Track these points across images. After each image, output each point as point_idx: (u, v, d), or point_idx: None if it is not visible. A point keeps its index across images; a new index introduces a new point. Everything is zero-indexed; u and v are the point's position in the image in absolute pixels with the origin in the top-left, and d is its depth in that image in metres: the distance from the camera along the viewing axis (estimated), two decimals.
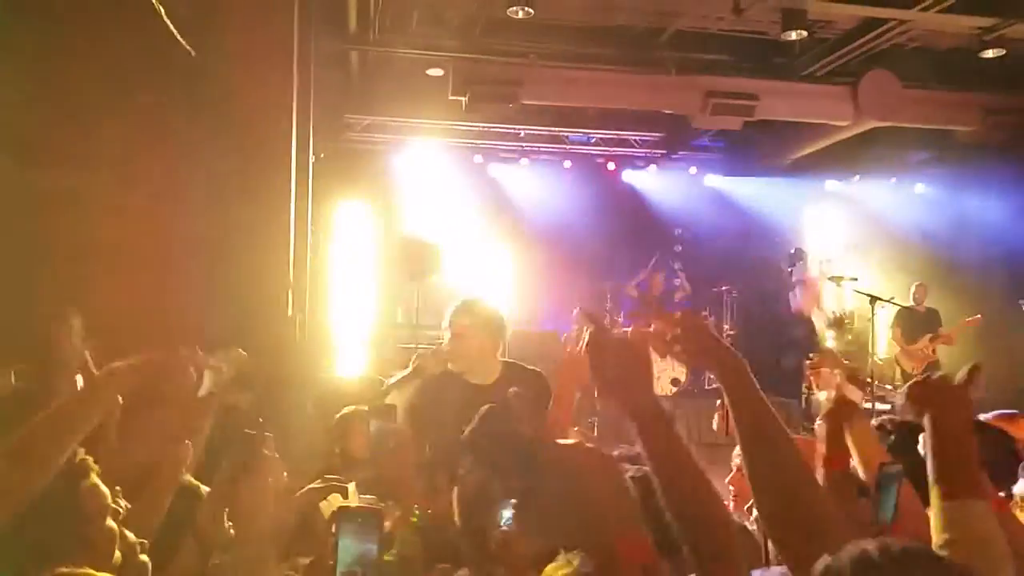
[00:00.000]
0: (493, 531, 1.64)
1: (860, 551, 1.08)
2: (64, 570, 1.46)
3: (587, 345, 1.47)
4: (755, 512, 2.43)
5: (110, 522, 1.55)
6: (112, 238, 4.28)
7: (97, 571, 1.39)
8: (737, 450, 3.61)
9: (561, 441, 1.19)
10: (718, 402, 3.67)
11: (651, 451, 1.41)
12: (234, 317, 4.52)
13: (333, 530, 1.66)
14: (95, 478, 1.55)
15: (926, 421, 1.65)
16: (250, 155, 4.94)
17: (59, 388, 2.48)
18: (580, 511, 1.15)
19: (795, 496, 1.41)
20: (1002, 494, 2.29)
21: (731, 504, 3.39)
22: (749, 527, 2.35)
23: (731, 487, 3.46)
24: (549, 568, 1.36)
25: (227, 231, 4.70)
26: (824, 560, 1.10)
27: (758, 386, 1.51)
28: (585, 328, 1.51)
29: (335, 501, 2.23)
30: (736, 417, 1.47)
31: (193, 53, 4.63)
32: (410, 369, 3.14)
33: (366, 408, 4.20)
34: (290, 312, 5.25)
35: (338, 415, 4.12)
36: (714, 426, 3.76)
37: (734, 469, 3.54)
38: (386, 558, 1.73)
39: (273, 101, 5.28)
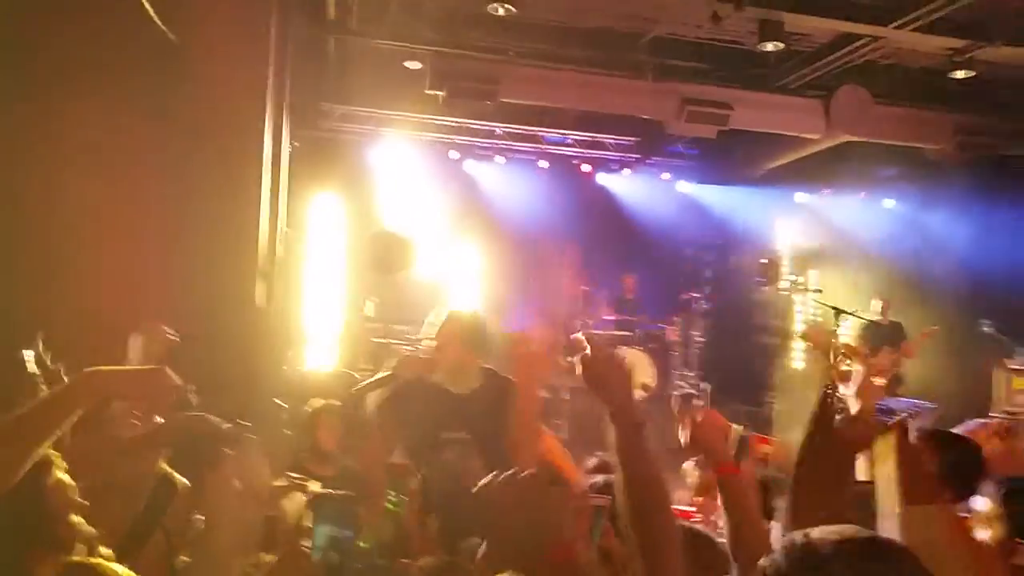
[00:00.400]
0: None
1: (788, 542, 1.14)
2: (76, 559, 1.46)
3: (584, 356, 1.81)
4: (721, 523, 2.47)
5: (74, 517, 1.54)
6: (79, 226, 4.21)
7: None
8: (686, 465, 3.70)
9: (503, 480, 1.34)
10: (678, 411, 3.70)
11: (620, 446, 1.70)
12: (203, 306, 4.47)
13: (309, 518, 1.67)
14: (60, 474, 1.53)
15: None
16: (223, 141, 4.89)
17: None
18: (530, 538, 1.31)
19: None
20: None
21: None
22: (717, 539, 2.38)
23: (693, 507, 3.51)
24: None
25: (197, 219, 4.65)
26: (762, 561, 1.16)
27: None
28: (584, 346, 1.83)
29: (298, 500, 2.21)
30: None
31: (171, 36, 4.56)
32: (386, 373, 3.10)
33: (336, 402, 4.20)
34: (258, 302, 5.20)
35: (306, 408, 4.10)
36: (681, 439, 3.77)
37: (689, 486, 3.59)
38: (362, 545, 1.73)
39: (248, 86, 5.23)
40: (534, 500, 1.38)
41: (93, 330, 3.46)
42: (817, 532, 1.12)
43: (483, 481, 1.39)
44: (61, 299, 3.85)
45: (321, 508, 1.72)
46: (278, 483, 2.07)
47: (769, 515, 2.61)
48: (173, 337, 2.55)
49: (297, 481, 2.14)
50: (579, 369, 1.82)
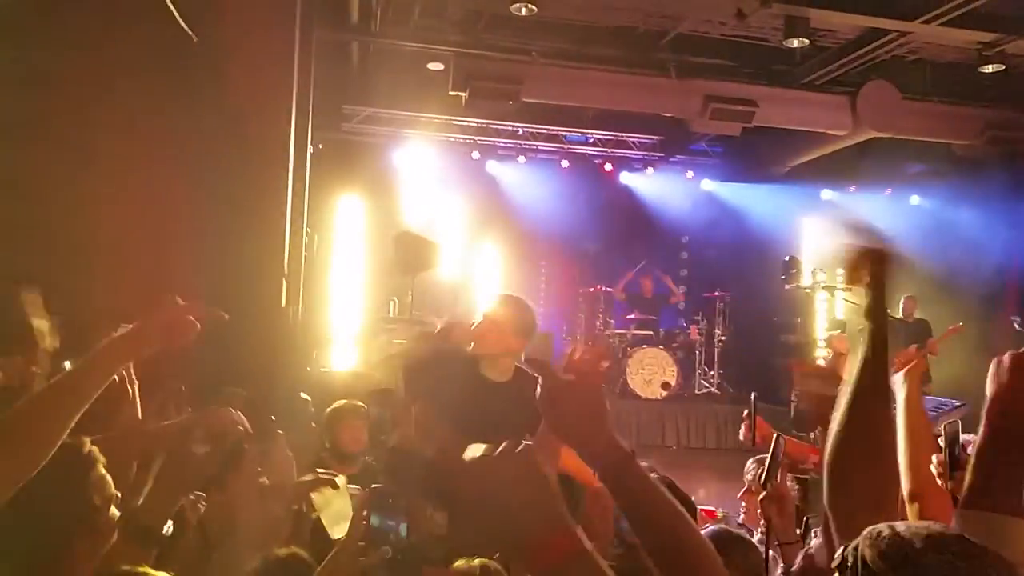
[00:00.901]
0: None
1: (874, 533, 1.09)
2: (125, 568, 1.47)
3: (538, 397, 1.36)
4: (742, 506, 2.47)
5: (114, 510, 1.57)
6: (106, 227, 4.25)
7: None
8: (749, 463, 3.62)
9: (479, 455, 1.11)
10: (744, 412, 3.68)
11: (616, 491, 1.35)
12: (227, 308, 4.50)
13: (364, 512, 1.69)
14: (102, 469, 1.55)
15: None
16: (248, 144, 4.92)
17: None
18: (501, 519, 1.11)
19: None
20: None
21: (742, 516, 3.39)
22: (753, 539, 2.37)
23: (743, 503, 3.45)
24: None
25: (223, 221, 4.68)
26: (841, 551, 1.11)
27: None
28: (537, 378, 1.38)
29: (327, 494, 2.22)
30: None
31: (195, 39, 4.60)
32: (432, 331, 3.06)
33: (357, 403, 4.20)
34: (284, 304, 5.23)
35: (329, 409, 4.10)
36: (740, 436, 3.77)
37: (746, 484, 3.53)
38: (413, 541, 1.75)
39: (273, 90, 5.26)
40: (530, 476, 1.15)
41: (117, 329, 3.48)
42: (903, 526, 1.09)
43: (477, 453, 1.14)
44: (86, 300, 3.88)
45: (374, 501, 1.73)
46: (305, 478, 2.07)
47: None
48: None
49: (325, 476, 2.14)
50: (540, 409, 1.37)
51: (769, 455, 2.35)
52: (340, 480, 2.20)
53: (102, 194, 4.27)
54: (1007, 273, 9.25)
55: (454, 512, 1.16)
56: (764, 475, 2.24)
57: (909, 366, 2.38)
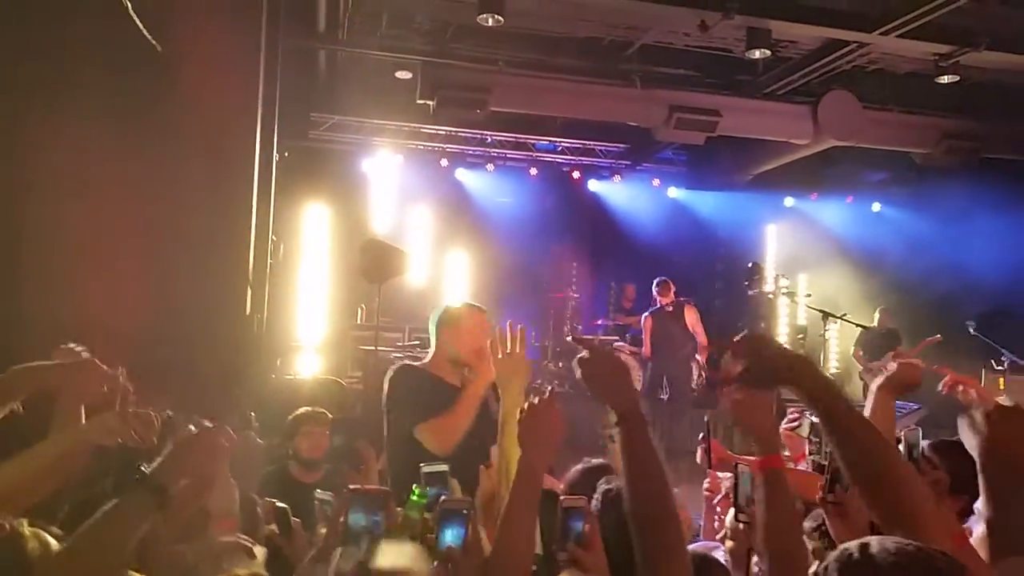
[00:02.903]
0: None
1: (841, 552, 1.13)
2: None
3: (579, 362, 1.78)
4: (727, 544, 2.47)
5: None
6: (69, 235, 4.23)
7: None
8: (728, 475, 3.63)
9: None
10: (700, 435, 3.68)
11: (625, 443, 1.68)
12: (192, 314, 4.49)
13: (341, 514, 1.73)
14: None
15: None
16: (213, 152, 4.91)
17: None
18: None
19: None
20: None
21: (718, 523, 3.41)
22: (720, 558, 2.39)
23: (718, 508, 3.47)
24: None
25: (187, 228, 4.67)
26: (814, 568, 1.16)
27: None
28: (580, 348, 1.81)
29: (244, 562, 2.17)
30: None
31: (159, 47, 4.59)
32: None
33: (319, 410, 4.22)
34: (248, 311, 5.22)
35: (291, 416, 4.12)
36: (697, 459, 3.72)
37: (723, 491, 3.54)
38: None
39: (238, 98, 5.26)
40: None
41: (81, 339, 3.47)
42: (876, 545, 1.11)
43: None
44: (50, 309, 3.87)
45: (354, 498, 1.80)
46: (226, 539, 2.02)
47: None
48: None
49: (244, 541, 2.08)
50: (578, 372, 1.78)
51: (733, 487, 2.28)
52: (259, 552, 2.13)
53: (63, 201, 4.25)
54: (965, 279, 9.45)
55: None
56: (734, 511, 2.23)
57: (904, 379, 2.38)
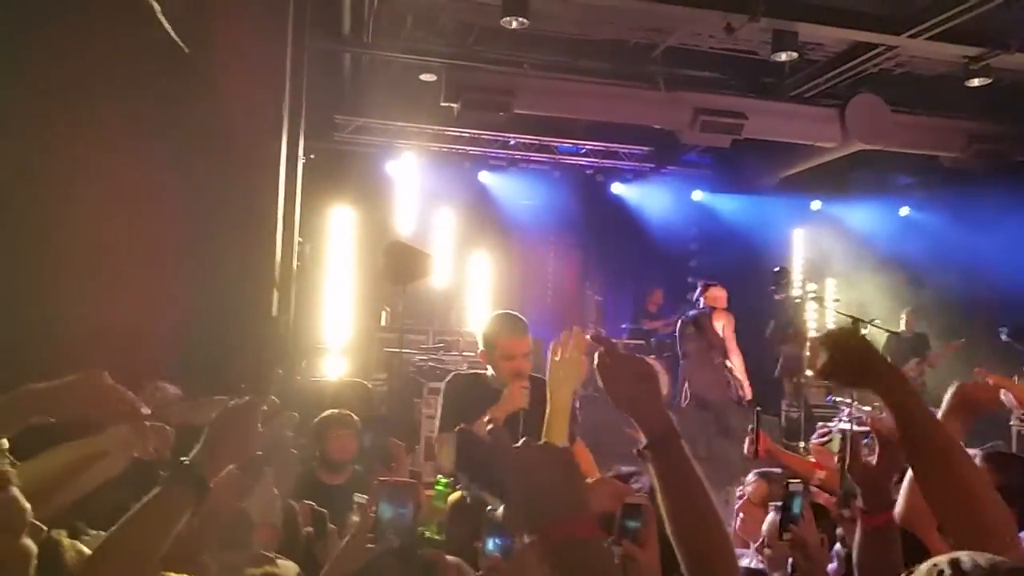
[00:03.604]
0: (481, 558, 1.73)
1: (931, 568, 1.08)
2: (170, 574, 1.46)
3: (598, 365, 1.52)
4: (764, 552, 2.45)
5: (27, 540, 1.47)
6: (96, 237, 4.26)
7: None
8: (751, 475, 3.61)
9: (538, 445, 1.25)
10: (749, 426, 3.69)
11: (658, 460, 1.45)
12: (219, 316, 4.52)
13: (372, 504, 1.74)
14: (15, 491, 1.48)
15: None
16: (239, 154, 4.95)
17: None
18: (534, 500, 1.21)
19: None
20: None
21: (739, 527, 3.40)
22: (758, 565, 2.37)
23: (740, 514, 3.46)
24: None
25: (214, 230, 4.70)
26: None
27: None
28: (595, 350, 1.56)
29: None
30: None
31: (186, 49, 4.63)
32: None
33: (345, 412, 4.23)
34: (275, 313, 5.25)
35: (317, 418, 4.13)
36: (744, 449, 3.77)
37: (745, 495, 3.53)
38: (427, 534, 1.80)
39: (265, 100, 5.30)
40: (563, 465, 1.23)
41: (110, 341, 3.51)
42: (967, 561, 1.06)
43: (517, 445, 1.30)
44: (76, 311, 3.90)
45: (382, 491, 1.81)
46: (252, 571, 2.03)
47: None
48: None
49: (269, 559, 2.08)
50: (599, 380, 1.52)
51: (782, 504, 2.27)
52: (287, 567, 2.14)
53: (92, 204, 4.29)
54: (994, 284, 9.32)
55: (511, 494, 1.25)
56: (779, 525, 2.21)
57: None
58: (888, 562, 1.76)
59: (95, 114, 4.33)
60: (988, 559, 1.06)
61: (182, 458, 1.56)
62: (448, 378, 3.40)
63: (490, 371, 3.30)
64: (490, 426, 1.29)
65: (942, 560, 1.08)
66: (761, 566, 2.52)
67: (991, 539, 1.36)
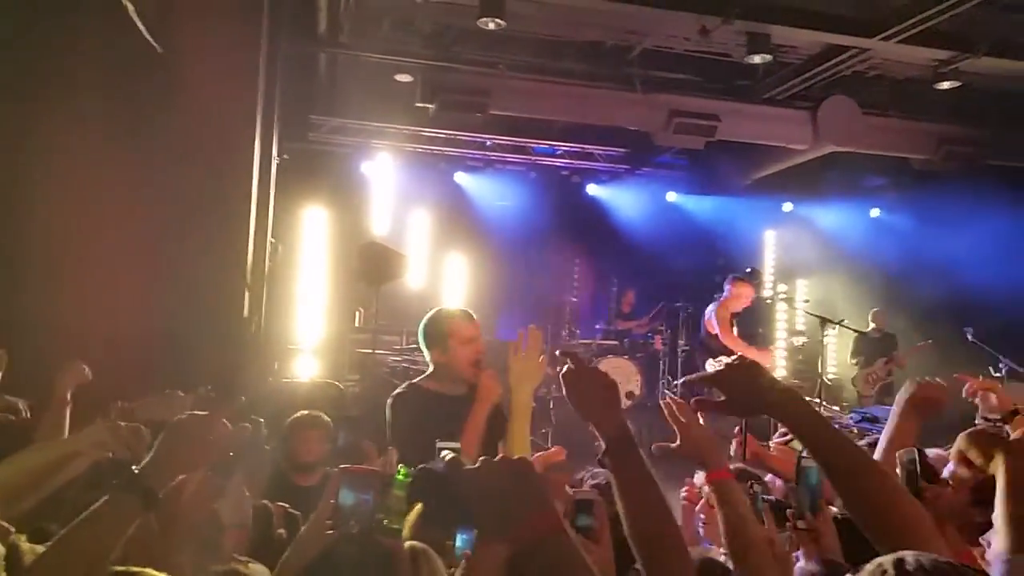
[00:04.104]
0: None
1: (876, 567, 1.11)
2: (119, 568, 1.47)
3: (564, 375, 1.67)
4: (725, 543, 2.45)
5: None
6: (68, 238, 4.22)
7: None
8: (701, 476, 3.62)
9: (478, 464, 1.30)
10: (736, 428, 3.69)
11: (616, 467, 1.55)
12: (189, 317, 4.48)
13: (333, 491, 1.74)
14: None
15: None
16: (213, 152, 4.91)
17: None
18: (497, 512, 1.25)
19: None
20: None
21: (702, 529, 3.41)
22: (719, 557, 2.37)
23: (702, 516, 3.46)
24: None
25: (186, 230, 4.66)
26: None
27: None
28: (565, 362, 1.70)
29: None
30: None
31: (159, 49, 4.59)
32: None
33: (315, 413, 4.22)
34: (246, 314, 5.21)
35: (288, 420, 4.11)
36: (731, 451, 3.76)
37: (704, 497, 3.54)
38: (383, 520, 1.80)
39: (238, 100, 5.26)
40: (520, 474, 1.28)
41: (80, 342, 3.47)
42: (911, 560, 1.09)
43: (473, 466, 1.34)
44: (47, 311, 3.86)
45: (345, 478, 1.81)
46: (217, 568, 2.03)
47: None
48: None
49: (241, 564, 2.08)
50: (564, 390, 1.67)
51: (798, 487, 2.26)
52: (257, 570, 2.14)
53: (63, 205, 4.24)
54: (963, 285, 9.46)
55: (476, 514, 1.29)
56: (795, 510, 2.19)
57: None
58: None
59: (67, 115, 4.29)
60: (931, 559, 1.08)
61: (133, 466, 1.58)
62: (395, 396, 3.19)
63: (431, 376, 3.19)
64: (448, 455, 1.32)
65: (887, 560, 1.11)
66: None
67: (909, 537, 1.39)
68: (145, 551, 1.65)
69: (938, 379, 2.48)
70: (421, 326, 3.22)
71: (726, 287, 8.11)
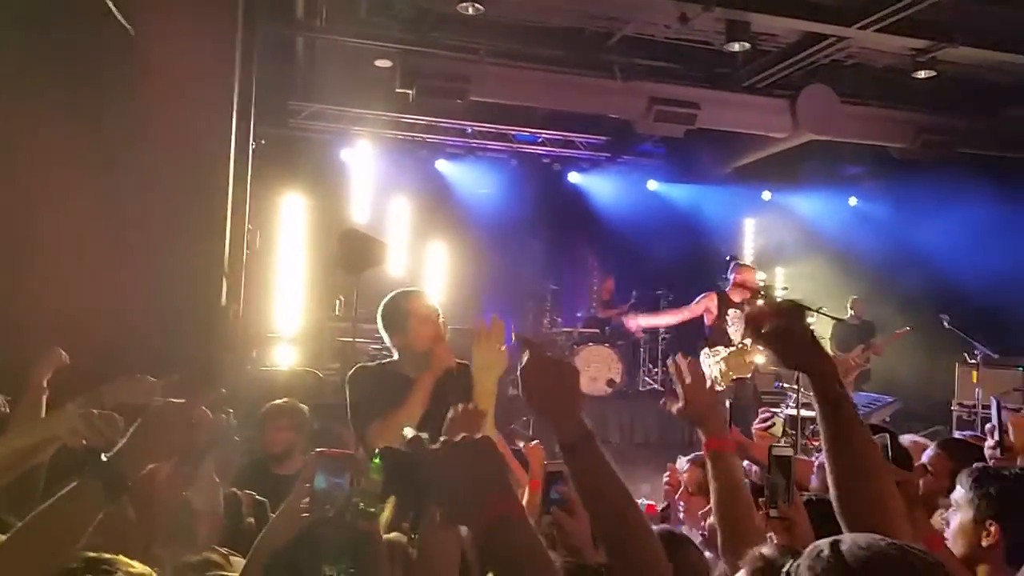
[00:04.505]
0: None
1: (812, 549, 1.10)
2: (91, 555, 1.45)
3: (522, 369, 1.51)
4: (710, 519, 2.46)
5: None
6: (41, 225, 4.16)
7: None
8: (683, 463, 3.64)
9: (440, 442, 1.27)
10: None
11: (573, 464, 1.48)
12: (165, 304, 4.44)
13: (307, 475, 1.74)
14: None
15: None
16: (188, 138, 4.84)
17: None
18: (460, 493, 1.23)
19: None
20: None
21: (682, 515, 3.42)
22: (696, 537, 2.38)
23: (681, 503, 3.48)
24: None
25: (161, 217, 4.60)
26: (787, 568, 1.12)
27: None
28: (523, 352, 1.54)
29: None
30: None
31: (132, 32, 4.51)
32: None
33: (286, 402, 4.20)
34: (224, 301, 5.16)
35: (263, 409, 4.09)
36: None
37: (682, 484, 3.55)
38: (363, 507, 1.79)
39: (214, 84, 5.19)
40: (483, 453, 1.25)
41: (54, 330, 3.43)
42: (848, 543, 1.08)
43: (434, 447, 1.31)
44: (18, 302, 3.80)
45: (319, 462, 1.81)
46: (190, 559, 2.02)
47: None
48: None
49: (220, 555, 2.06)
50: (520, 386, 1.51)
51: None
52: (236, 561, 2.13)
53: (32, 191, 4.17)
54: (940, 272, 9.56)
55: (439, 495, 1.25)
56: (768, 499, 2.18)
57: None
58: None
59: (34, 99, 4.21)
60: (867, 540, 1.07)
61: (104, 454, 1.56)
62: (353, 370, 3.19)
63: (396, 361, 3.16)
64: (410, 434, 1.29)
65: (824, 542, 1.10)
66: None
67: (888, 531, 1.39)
68: (122, 541, 1.64)
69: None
70: (379, 312, 3.17)
71: (729, 276, 7.95)
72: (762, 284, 8.28)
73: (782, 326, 1.59)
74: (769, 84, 8.78)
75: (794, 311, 1.64)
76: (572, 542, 1.88)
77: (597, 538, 1.52)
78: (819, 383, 1.57)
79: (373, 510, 1.68)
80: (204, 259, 4.95)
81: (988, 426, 2.87)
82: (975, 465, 2.33)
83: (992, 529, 2.12)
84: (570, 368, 1.54)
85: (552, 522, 1.88)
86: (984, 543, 2.13)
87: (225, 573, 1.82)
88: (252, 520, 2.50)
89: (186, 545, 1.95)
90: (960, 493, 2.25)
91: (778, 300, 1.65)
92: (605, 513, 1.48)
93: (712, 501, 1.93)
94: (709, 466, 1.95)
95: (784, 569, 1.12)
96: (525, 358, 1.52)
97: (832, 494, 1.55)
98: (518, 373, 1.51)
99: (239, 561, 1.98)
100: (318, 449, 1.87)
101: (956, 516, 2.23)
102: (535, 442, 3.23)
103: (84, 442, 1.98)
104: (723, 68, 8.81)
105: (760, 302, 1.69)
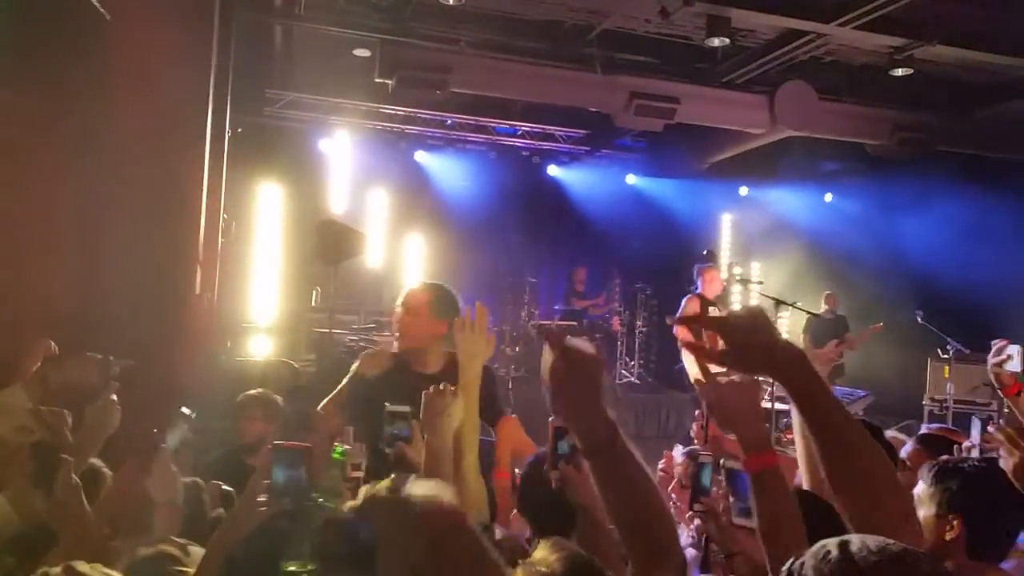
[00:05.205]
0: None
1: (819, 549, 1.07)
2: (54, 571, 1.43)
3: (551, 372, 1.41)
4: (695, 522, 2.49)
5: None
6: (11, 210, 4.09)
7: None
8: (679, 454, 3.66)
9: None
10: (697, 412, 3.74)
11: (597, 465, 1.41)
12: (139, 293, 4.39)
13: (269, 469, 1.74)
14: None
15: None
16: (163, 125, 4.78)
17: None
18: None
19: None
20: None
21: (673, 509, 3.45)
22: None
23: (672, 495, 3.51)
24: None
25: (135, 205, 4.55)
26: (787, 564, 1.09)
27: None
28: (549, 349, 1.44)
29: None
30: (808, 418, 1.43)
31: (108, 17, 4.45)
32: (352, 373, 3.14)
33: (259, 392, 4.17)
34: (198, 291, 5.12)
35: (236, 399, 4.07)
36: (692, 433, 3.81)
37: (676, 477, 3.57)
38: (317, 498, 1.78)
39: (190, 72, 5.13)
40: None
41: (27, 318, 3.39)
42: (857, 543, 1.05)
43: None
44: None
45: (277, 455, 1.80)
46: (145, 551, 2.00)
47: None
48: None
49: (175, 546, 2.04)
50: (552, 390, 1.41)
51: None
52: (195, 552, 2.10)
53: (5, 176, 4.10)
54: (914, 268, 9.66)
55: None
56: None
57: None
58: None
59: (10, 84, 4.14)
60: (877, 542, 1.05)
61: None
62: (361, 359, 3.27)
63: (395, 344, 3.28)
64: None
65: (831, 542, 1.07)
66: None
67: (888, 529, 1.36)
68: (85, 545, 1.62)
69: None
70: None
71: (696, 280, 8.11)
72: (724, 282, 8.39)
73: (739, 342, 1.44)
74: (748, 80, 8.82)
75: (753, 322, 1.46)
76: (579, 498, 1.92)
77: (618, 528, 1.43)
78: (795, 393, 1.46)
79: (331, 506, 1.67)
80: (178, 247, 4.90)
81: (966, 444, 2.87)
82: (937, 459, 2.35)
83: (955, 523, 2.15)
84: (596, 361, 1.43)
85: (560, 477, 1.90)
86: (947, 537, 2.15)
87: (182, 568, 1.79)
88: (222, 510, 2.48)
89: (142, 536, 1.93)
90: (922, 488, 2.26)
91: (733, 312, 1.49)
92: (628, 512, 1.42)
93: (757, 528, 1.67)
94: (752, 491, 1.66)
95: (786, 568, 1.09)
96: (549, 356, 1.41)
97: (824, 471, 1.46)
98: (546, 373, 1.41)
99: (198, 551, 1.95)
100: (275, 442, 1.86)
101: (919, 511, 2.24)
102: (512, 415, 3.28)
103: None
104: (703, 63, 8.84)
105: (715, 312, 1.57)
